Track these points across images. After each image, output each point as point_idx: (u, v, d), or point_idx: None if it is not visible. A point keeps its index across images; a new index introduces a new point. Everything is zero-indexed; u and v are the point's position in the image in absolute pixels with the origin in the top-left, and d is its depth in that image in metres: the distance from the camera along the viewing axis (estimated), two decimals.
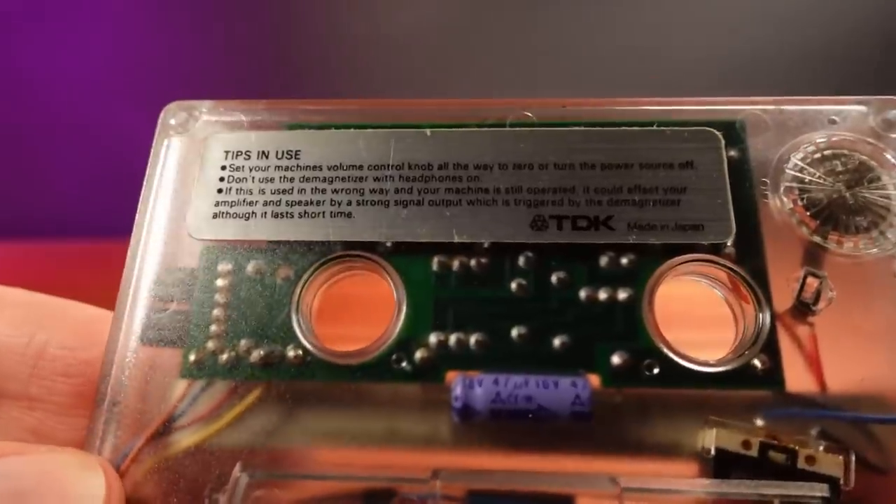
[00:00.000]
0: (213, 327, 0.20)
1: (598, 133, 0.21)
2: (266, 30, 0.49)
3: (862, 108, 0.21)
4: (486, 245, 0.21)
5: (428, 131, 0.22)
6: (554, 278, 0.20)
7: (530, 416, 0.19)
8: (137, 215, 0.22)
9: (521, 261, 0.20)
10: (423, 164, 0.21)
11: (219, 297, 0.21)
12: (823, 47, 0.44)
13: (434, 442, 0.19)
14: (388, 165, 0.21)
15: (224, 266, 0.21)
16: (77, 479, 0.18)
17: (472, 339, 0.20)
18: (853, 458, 0.18)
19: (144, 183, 0.22)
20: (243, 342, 0.20)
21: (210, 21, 0.48)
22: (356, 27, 0.47)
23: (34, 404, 0.21)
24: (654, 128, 0.21)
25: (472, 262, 0.20)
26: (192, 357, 0.20)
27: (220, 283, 0.21)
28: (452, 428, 0.19)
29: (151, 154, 0.22)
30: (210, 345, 0.20)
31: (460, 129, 0.22)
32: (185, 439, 0.19)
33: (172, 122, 0.23)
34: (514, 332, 0.20)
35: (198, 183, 0.22)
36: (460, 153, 0.21)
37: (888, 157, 0.21)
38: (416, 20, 0.46)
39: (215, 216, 0.21)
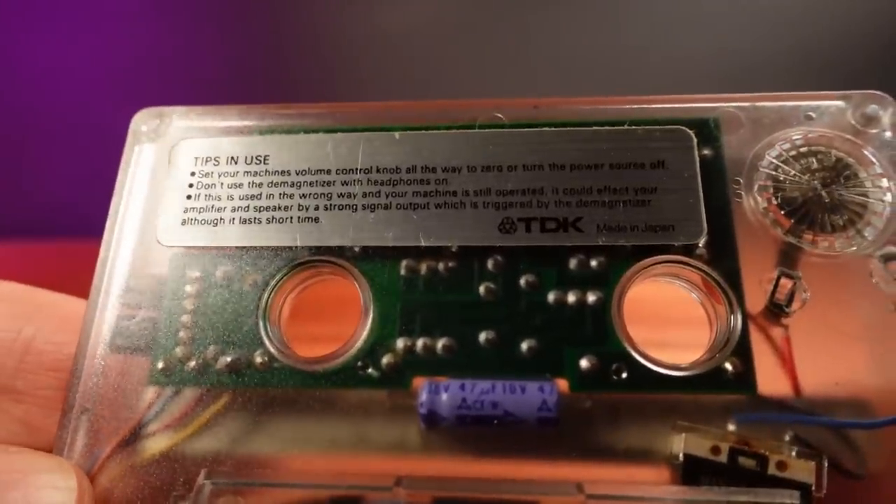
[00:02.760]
0: (181, 334, 0.20)
1: (568, 133, 0.21)
2: (259, 34, 0.49)
3: (840, 103, 0.21)
4: (453, 249, 0.20)
5: (397, 134, 0.22)
6: (522, 281, 0.20)
7: (496, 422, 0.18)
8: (108, 222, 0.22)
9: (490, 264, 0.20)
10: (391, 168, 0.21)
11: (187, 304, 0.21)
12: (801, 45, 0.44)
13: (401, 448, 0.19)
14: (357, 169, 0.21)
15: (192, 272, 0.21)
16: (49, 481, 0.18)
17: (440, 345, 0.19)
18: (825, 463, 0.17)
19: (115, 190, 0.22)
20: (210, 349, 0.20)
21: (202, 24, 0.48)
22: (338, 30, 0.47)
23: (20, 397, 0.21)
24: (626, 127, 0.21)
25: (440, 266, 0.20)
26: (159, 364, 0.20)
27: (188, 289, 0.21)
28: (419, 434, 0.19)
29: (122, 161, 0.22)
30: (178, 352, 0.20)
31: (429, 132, 0.22)
32: (152, 446, 0.19)
33: (143, 128, 0.23)
34: (482, 337, 0.19)
35: (167, 189, 0.22)
36: (429, 156, 0.21)
37: (866, 153, 0.20)
38: (391, 24, 0.46)
39: (184, 223, 0.21)
